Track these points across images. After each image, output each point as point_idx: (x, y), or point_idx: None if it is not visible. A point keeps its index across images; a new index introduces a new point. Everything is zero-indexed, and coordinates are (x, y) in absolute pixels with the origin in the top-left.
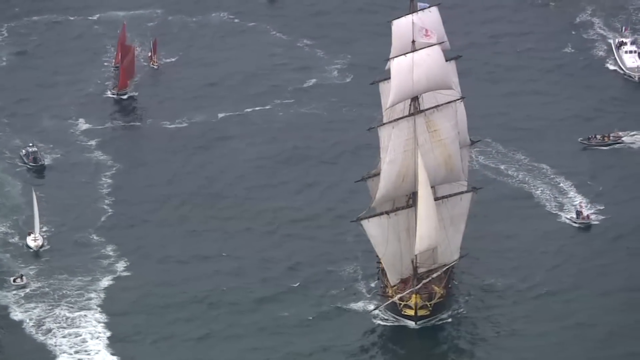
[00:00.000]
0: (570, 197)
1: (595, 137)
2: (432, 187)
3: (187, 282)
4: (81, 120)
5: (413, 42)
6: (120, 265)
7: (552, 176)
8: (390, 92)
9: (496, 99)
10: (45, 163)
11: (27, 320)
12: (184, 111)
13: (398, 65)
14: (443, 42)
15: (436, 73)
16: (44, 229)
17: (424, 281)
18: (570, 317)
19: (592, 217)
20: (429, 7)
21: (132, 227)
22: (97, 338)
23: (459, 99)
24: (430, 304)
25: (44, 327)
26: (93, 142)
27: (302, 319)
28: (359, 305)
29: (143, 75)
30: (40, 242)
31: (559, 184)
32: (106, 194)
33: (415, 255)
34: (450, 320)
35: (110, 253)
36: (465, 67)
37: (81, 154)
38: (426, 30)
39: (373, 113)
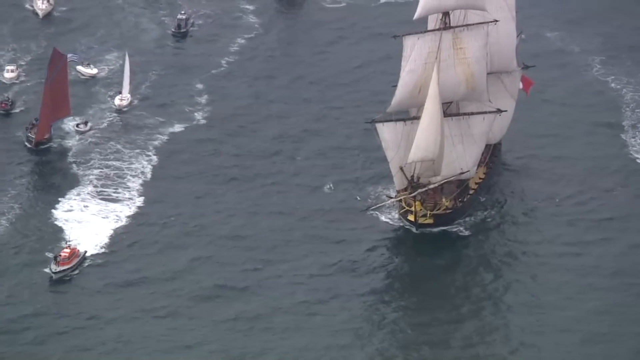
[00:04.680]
0: None
1: None
2: (451, 102)
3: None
4: None
5: None
6: (199, 115)
7: None
8: (419, 3)
9: None
10: (189, 31)
11: (74, 150)
12: None
13: None
14: None
15: None
16: (143, 85)
17: (420, 190)
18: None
19: None
20: None
21: (233, 78)
22: (137, 176)
23: (491, 22)
24: (430, 214)
25: (84, 157)
26: (251, 6)
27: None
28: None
29: None
30: (126, 102)
31: None
32: (232, 52)
33: (413, 165)
34: (455, 231)
35: (202, 101)
36: None
37: (233, 15)
38: None
39: None
